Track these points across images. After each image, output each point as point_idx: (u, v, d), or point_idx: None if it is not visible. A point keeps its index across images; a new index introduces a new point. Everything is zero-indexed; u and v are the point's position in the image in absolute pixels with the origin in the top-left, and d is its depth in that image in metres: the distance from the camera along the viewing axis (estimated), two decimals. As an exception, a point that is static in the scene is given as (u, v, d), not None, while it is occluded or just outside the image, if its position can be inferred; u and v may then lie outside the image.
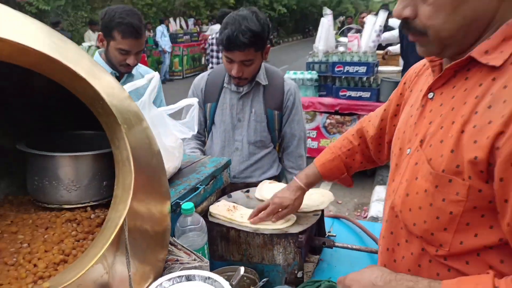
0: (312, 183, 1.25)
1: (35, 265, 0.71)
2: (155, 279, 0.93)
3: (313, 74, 4.29)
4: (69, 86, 0.80)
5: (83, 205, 0.87)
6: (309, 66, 4.38)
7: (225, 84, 1.74)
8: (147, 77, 1.19)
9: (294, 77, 4.35)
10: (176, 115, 1.28)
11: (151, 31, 11.88)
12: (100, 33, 1.79)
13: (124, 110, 0.92)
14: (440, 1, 0.69)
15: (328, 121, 4.23)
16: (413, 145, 0.83)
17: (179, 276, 0.94)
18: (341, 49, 4.44)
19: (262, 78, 1.69)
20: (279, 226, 1.18)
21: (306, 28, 29.25)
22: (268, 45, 1.62)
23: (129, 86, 1.17)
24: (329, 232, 1.44)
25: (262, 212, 1.21)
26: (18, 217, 0.82)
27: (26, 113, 1.01)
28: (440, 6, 0.69)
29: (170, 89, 9.36)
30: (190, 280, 0.94)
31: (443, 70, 0.79)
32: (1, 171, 0.95)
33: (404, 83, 1.06)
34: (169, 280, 0.93)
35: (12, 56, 0.72)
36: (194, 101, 1.32)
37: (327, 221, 1.53)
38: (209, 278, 0.94)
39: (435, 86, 0.82)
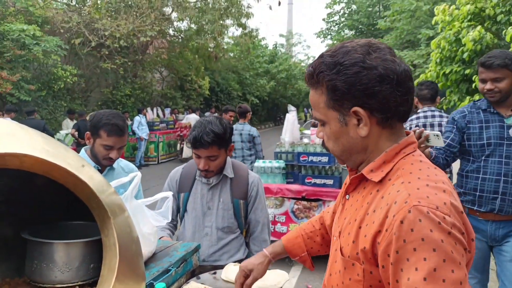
0: (276, 253, 1.40)
1: (32, 335, 0.86)
2: None
3: (281, 163, 4.64)
4: (71, 187, 1.03)
5: (73, 284, 1.04)
6: (277, 155, 4.75)
7: (197, 177, 2.00)
8: (131, 175, 1.44)
9: (264, 165, 4.68)
10: (152, 205, 1.50)
11: (129, 119, 12.38)
12: (87, 132, 2.06)
13: (111, 203, 1.14)
14: (328, 134, 0.99)
15: (296, 206, 4.48)
16: (335, 235, 1.06)
17: None
18: (305, 140, 4.88)
19: (229, 172, 1.97)
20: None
21: (278, 116, 30.97)
22: (232, 144, 1.94)
23: (115, 183, 1.40)
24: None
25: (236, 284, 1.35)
26: (18, 296, 0.98)
27: (27, 207, 1.21)
28: (329, 137, 0.99)
29: (146, 174, 9.52)
30: None
31: (350, 180, 1.04)
32: (2, 256, 1.12)
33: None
34: None
35: (32, 167, 0.95)
36: (169, 194, 1.56)
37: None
38: None
39: (349, 190, 1.05)
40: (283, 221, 4.53)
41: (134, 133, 11.55)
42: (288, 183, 4.68)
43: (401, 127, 0.98)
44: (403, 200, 0.83)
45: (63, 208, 1.27)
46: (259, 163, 4.72)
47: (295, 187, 4.50)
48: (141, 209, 1.45)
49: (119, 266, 1.04)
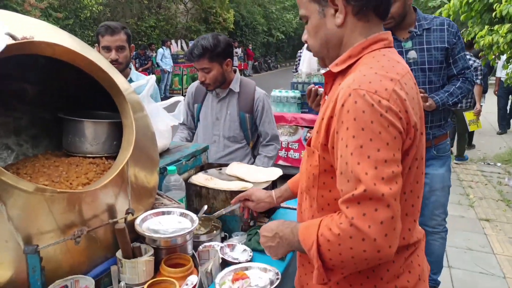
0: (282, 196, 1.48)
1: (70, 183, 1.14)
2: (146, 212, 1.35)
3: (296, 93, 4.79)
4: (96, 77, 1.24)
5: (100, 155, 1.30)
6: (293, 86, 4.88)
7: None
8: (146, 79, 1.65)
9: (280, 95, 4.84)
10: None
11: (154, 51, 12.52)
12: (96, 45, 2.28)
13: (130, 99, 1.37)
14: (309, 30, 1.04)
15: (308, 134, 4.69)
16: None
17: (162, 211, 1.36)
18: (322, 71, 4.95)
19: (235, 87, 2.17)
20: (239, 187, 1.61)
21: (304, 53, 30.21)
22: (228, 59, 2.11)
23: (133, 85, 1.62)
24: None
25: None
26: (58, 159, 1.25)
27: (62, 98, 1.45)
28: (309, 33, 1.04)
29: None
30: (170, 214, 1.36)
31: (325, 79, 1.09)
32: (43, 134, 1.39)
33: None
34: (155, 212, 1.35)
35: (63, 55, 1.17)
36: (180, 98, 1.78)
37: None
38: (183, 213, 1.36)
39: (327, 90, 1.10)
40: (296, 148, 4.78)
41: (158, 65, 11.74)
42: (302, 112, 4.85)
43: (377, 23, 1.00)
44: (347, 85, 0.89)
45: (92, 103, 1.50)
46: (275, 92, 4.87)
47: (309, 116, 4.68)
48: (157, 109, 1.68)
49: (137, 150, 1.28)
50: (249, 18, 22.21)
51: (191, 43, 14.48)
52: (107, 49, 2.21)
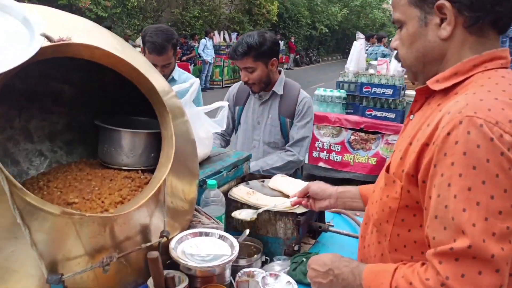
0: (345, 196, 1.28)
1: (102, 202, 1.03)
2: (182, 231, 1.23)
3: (342, 93, 4.55)
4: (137, 82, 1.13)
5: (137, 168, 1.19)
6: (339, 85, 4.64)
7: (251, 92, 2.06)
8: (190, 82, 1.52)
9: (324, 94, 4.61)
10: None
11: (197, 42, 12.56)
12: (141, 46, 2.17)
13: (171, 104, 1.25)
14: (403, 38, 0.89)
15: (353, 137, 4.45)
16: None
17: (200, 232, 1.23)
18: (371, 71, 4.67)
19: (278, 89, 2.00)
20: (283, 206, 1.45)
21: (347, 48, 29.42)
22: (274, 59, 1.94)
23: (175, 88, 1.50)
24: (329, 222, 1.69)
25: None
26: (92, 171, 1.15)
27: (100, 100, 1.36)
28: (403, 41, 0.90)
29: (209, 97, 9.81)
30: (208, 236, 1.23)
31: (415, 95, 0.95)
32: (79, 139, 1.30)
33: None
34: (192, 233, 1.22)
35: (101, 59, 1.05)
36: (224, 103, 1.64)
37: (329, 215, 1.78)
38: (222, 236, 1.23)
39: (414, 109, 0.96)
40: (339, 150, 4.55)
41: (200, 55, 11.76)
42: (347, 113, 4.61)
43: (494, 38, 0.82)
44: (457, 110, 0.73)
45: (131, 105, 1.40)
46: (319, 91, 4.65)
47: (354, 118, 4.43)
48: (199, 115, 1.56)
49: (176, 159, 1.16)
50: (293, 10, 21.82)
51: (233, 35, 14.48)
52: (153, 64, 2.10)
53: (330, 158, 4.60)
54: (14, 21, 0.98)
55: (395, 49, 0.95)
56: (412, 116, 0.96)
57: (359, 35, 4.73)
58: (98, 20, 10.36)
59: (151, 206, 1.09)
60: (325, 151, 4.58)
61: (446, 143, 0.72)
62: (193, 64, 11.70)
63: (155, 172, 1.11)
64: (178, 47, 2.29)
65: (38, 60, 1.01)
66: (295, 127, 2.03)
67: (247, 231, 1.28)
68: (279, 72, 2.05)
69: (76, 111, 1.29)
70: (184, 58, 11.46)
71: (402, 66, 0.97)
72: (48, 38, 0.96)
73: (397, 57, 1.02)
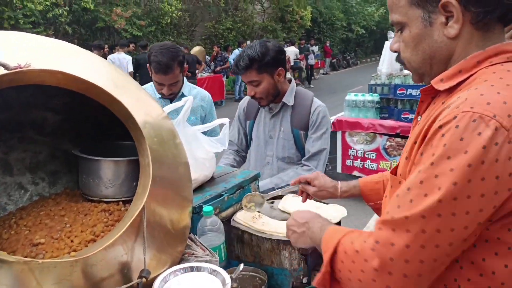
0: (349, 191, 1.30)
1: (72, 241, 0.94)
2: (172, 266, 1.11)
3: (375, 96, 4.29)
4: (109, 106, 1.04)
5: (117, 199, 1.09)
6: (371, 88, 4.39)
7: (260, 105, 1.92)
8: (184, 100, 1.42)
9: (355, 98, 4.38)
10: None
11: (231, 53, 12.64)
12: (148, 64, 2.09)
13: (158, 127, 1.15)
14: (406, 40, 0.84)
15: (388, 143, 4.17)
16: None
17: (190, 266, 1.11)
18: (405, 72, 4.37)
19: (289, 100, 1.85)
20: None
21: (386, 48, 28.52)
22: (280, 68, 1.79)
23: (168, 108, 1.40)
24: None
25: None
26: (68, 205, 1.07)
27: (85, 126, 1.29)
28: (407, 43, 0.84)
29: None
30: (199, 271, 1.11)
31: (421, 96, 0.90)
32: (63, 169, 1.23)
33: None
34: (182, 268, 1.10)
35: (68, 84, 0.97)
36: (225, 120, 1.52)
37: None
38: (214, 270, 1.10)
39: (421, 110, 0.91)
40: (374, 158, 4.29)
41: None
42: (381, 118, 4.33)
43: (499, 32, 0.78)
44: (456, 105, 0.70)
45: (120, 128, 1.32)
46: (350, 96, 4.42)
47: (389, 122, 4.16)
48: (195, 135, 1.44)
49: (162, 187, 1.05)
50: (327, 14, 21.49)
51: (267, 43, 14.43)
52: (159, 84, 2.05)
53: (365, 166, 4.34)
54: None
55: (395, 51, 0.90)
56: (419, 117, 0.92)
57: (391, 34, 4.45)
58: (134, 39, 10.71)
59: (129, 241, 0.98)
60: (359, 159, 4.33)
61: (435, 135, 0.71)
62: (225, 76, 11.77)
63: (131, 205, 1.00)
64: (209, 59, 2.23)
65: (13, 88, 0.96)
66: (310, 140, 1.87)
67: (241, 266, 1.14)
68: (289, 81, 1.90)
69: (60, 139, 1.22)
70: (218, 68, 11.55)
71: (405, 68, 0.91)
72: (4, 66, 0.89)
73: (398, 60, 0.93)
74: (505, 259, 0.71)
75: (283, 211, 1.51)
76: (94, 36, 10.61)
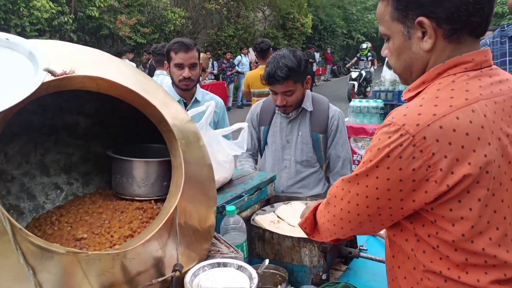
0: None
1: (111, 236, 1.00)
2: (199, 262, 1.17)
3: (379, 103, 4.36)
4: (143, 110, 1.10)
5: (149, 198, 1.15)
6: (375, 94, 4.46)
7: (276, 110, 1.99)
8: (206, 104, 1.49)
9: (360, 105, 4.45)
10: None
11: (232, 59, 12.75)
12: (165, 61, 2.19)
13: (185, 130, 1.21)
14: (391, 50, 0.94)
15: (393, 148, 4.23)
16: None
17: (217, 262, 1.17)
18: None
19: (308, 105, 1.92)
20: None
21: (387, 55, 28.63)
22: (308, 77, 1.85)
23: (192, 112, 1.47)
24: (361, 246, 1.57)
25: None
26: (104, 203, 1.13)
27: (115, 128, 1.35)
28: (392, 53, 0.94)
29: (246, 113, 9.89)
30: (226, 266, 1.17)
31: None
32: (95, 170, 1.29)
33: None
34: (209, 264, 1.16)
35: (108, 90, 1.04)
36: (244, 125, 1.59)
37: (362, 238, 1.66)
38: (241, 266, 1.16)
39: None
40: (378, 163, 4.35)
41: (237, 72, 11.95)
42: (386, 124, 4.41)
43: (472, 43, 0.86)
44: (391, 115, 0.84)
45: (148, 132, 1.38)
46: (354, 102, 4.50)
47: (393, 128, 4.22)
48: (217, 138, 1.51)
49: (189, 185, 1.11)
50: (328, 21, 21.65)
51: (268, 50, 14.58)
52: (180, 66, 2.13)
53: (370, 171, 4.40)
54: (20, 57, 0.99)
55: (385, 57, 1.00)
56: None
57: (394, 41, 4.55)
58: (138, 46, 10.82)
59: (163, 237, 1.05)
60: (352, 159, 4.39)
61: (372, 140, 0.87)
62: (231, 82, 11.90)
63: (165, 203, 1.07)
64: (220, 64, 2.33)
65: (49, 94, 1.02)
66: (337, 145, 1.95)
67: (267, 261, 1.20)
68: None
69: (91, 142, 1.29)
70: (229, 73, 11.74)
71: (394, 72, 1.01)
72: (51, 73, 0.95)
73: (388, 65, 1.07)
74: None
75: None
76: (98, 43, 10.72)
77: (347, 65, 14.05)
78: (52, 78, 0.94)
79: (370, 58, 13.02)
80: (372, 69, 13.23)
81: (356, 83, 12.11)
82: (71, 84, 0.98)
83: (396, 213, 0.86)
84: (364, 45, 13.43)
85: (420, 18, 0.83)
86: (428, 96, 0.83)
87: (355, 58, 13.69)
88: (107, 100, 1.26)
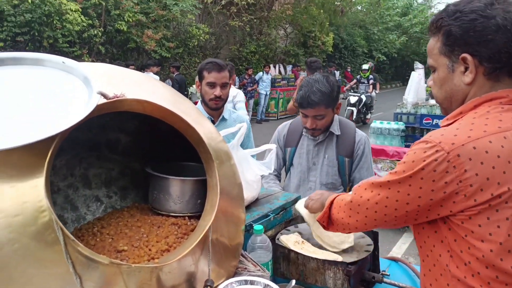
0: None
1: (149, 249, 1.06)
2: (227, 279, 1.22)
3: (400, 125, 4.37)
4: (183, 131, 1.17)
5: (183, 215, 1.21)
6: (397, 117, 4.48)
7: (304, 133, 2.04)
8: (238, 126, 1.55)
9: (381, 126, 4.47)
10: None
11: (253, 75, 12.93)
12: (197, 80, 2.27)
13: (218, 149, 1.28)
14: (435, 80, 1.04)
15: (413, 172, 4.22)
16: None
17: (245, 280, 1.22)
18: (431, 101, 4.46)
19: (335, 129, 1.97)
20: (331, 257, 1.39)
21: (407, 75, 28.48)
22: (339, 102, 1.91)
23: (224, 132, 1.53)
24: (384, 271, 1.58)
25: None
26: (142, 217, 1.20)
27: (152, 147, 1.43)
28: (435, 83, 1.04)
29: (265, 129, 9.97)
30: (253, 284, 1.21)
31: None
32: (131, 185, 1.36)
33: None
34: (237, 281, 1.21)
35: (152, 112, 1.12)
36: (272, 146, 1.65)
37: (384, 262, 1.68)
38: (268, 285, 1.20)
39: None
40: (398, 185, 4.33)
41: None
42: (406, 146, 4.40)
43: (510, 82, 0.95)
44: (429, 134, 0.94)
45: (182, 150, 1.46)
46: (376, 124, 4.52)
47: (414, 151, 4.22)
48: (246, 158, 1.57)
49: (221, 204, 1.17)
50: (348, 40, 21.78)
51: (288, 67, 14.73)
52: (212, 85, 2.20)
53: (389, 193, 4.38)
54: (75, 79, 1.08)
55: (429, 87, 1.10)
56: None
57: (418, 65, 4.58)
58: (162, 60, 11.10)
59: (196, 254, 1.10)
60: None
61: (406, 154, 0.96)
62: (251, 97, 12.02)
63: (200, 220, 1.13)
64: (241, 79, 2.43)
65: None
66: (362, 169, 1.99)
67: (293, 282, 1.24)
68: None
69: (129, 158, 1.37)
70: (249, 88, 11.84)
71: (436, 101, 1.10)
72: (104, 96, 1.04)
73: (431, 94, 1.20)
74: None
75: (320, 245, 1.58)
76: (125, 56, 11.05)
77: (345, 88, 11.90)
78: (105, 101, 1.03)
79: (372, 81, 11.43)
80: (373, 93, 11.70)
81: (355, 109, 10.67)
82: (121, 106, 1.06)
83: (421, 217, 0.95)
84: (365, 66, 11.79)
85: (464, 55, 0.93)
86: (464, 122, 0.93)
87: (354, 80, 12.00)
88: (145, 118, 1.35)
